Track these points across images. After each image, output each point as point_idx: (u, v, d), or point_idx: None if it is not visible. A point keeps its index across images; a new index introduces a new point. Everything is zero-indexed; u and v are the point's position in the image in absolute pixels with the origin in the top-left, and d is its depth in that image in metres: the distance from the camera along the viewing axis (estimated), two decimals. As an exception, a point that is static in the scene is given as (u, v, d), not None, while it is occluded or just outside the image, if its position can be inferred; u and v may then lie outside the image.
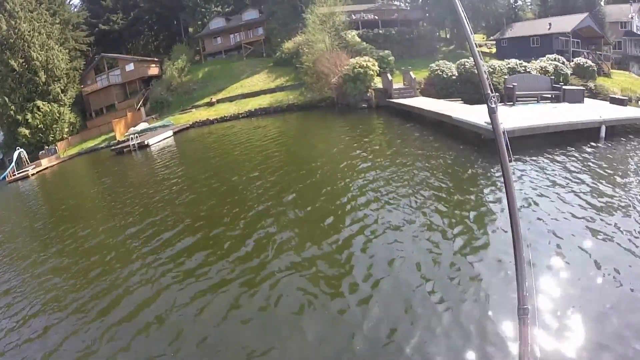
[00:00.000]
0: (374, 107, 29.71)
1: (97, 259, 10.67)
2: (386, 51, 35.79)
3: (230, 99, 40.15)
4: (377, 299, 6.81)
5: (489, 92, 3.69)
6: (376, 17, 44.73)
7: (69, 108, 42.92)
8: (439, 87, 29.20)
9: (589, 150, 13.55)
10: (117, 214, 14.45)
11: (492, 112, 3.65)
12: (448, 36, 51.82)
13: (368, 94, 30.45)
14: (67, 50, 44.21)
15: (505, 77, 25.70)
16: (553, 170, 11.82)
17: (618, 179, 10.84)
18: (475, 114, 15.95)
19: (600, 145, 14.14)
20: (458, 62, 29.53)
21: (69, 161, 36.49)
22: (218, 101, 40.44)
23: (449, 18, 44.29)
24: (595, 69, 32.15)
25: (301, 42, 38.16)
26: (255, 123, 31.85)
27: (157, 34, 63.80)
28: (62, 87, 42.13)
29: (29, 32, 39.22)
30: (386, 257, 8.03)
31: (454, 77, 28.88)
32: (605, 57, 40.84)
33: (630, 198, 9.45)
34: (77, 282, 9.59)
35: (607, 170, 11.63)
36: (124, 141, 34.12)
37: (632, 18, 48.56)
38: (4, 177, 32.60)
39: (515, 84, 20.38)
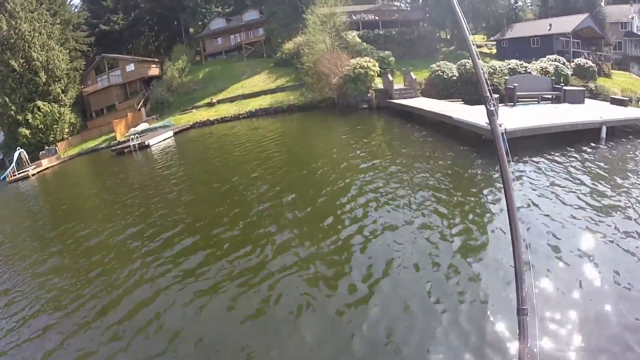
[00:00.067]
0: (375, 107, 29.71)
1: (97, 259, 10.67)
2: (386, 52, 35.80)
3: (231, 100, 40.18)
4: (376, 300, 6.80)
5: (488, 94, 3.69)
6: (376, 18, 44.74)
7: (70, 108, 43.01)
8: (439, 88, 29.20)
9: (589, 150, 13.54)
10: (117, 214, 14.45)
11: (490, 115, 3.65)
12: (448, 37, 51.85)
13: (369, 95, 30.45)
14: (67, 51, 44.30)
15: (506, 77, 25.70)
16: (554, 170, 11.81)
17: (619, 180, 10.81)
18: (475, 115, 15.94)
19: (600, 145, 14.12)
20: (459, 62, 29.52)
21: (69, 161, 36.51)
22: (218, 102, 40.47)
23: (449, 19, 44.26)
24: (596, 69, 32.14)
25: (302, 42, 38.18)
26: (256, 124, 31.87)
27: (157, 34, 63.90)
28: (63, 88, 42.20)
29: (30, 32, 39.29)
30: (385, 258, 8.02)
31: (454, 78, 28.88)
32: (606, 57, 40.85)
33: (630, 199, 9.43)
34: (77, 281, 9.59)
35: (607, 170, 11.61)
36: (124, 141, 34.14)
37: (632, 19, 48.56)
38: (5, 178, 32.62)
39: (516, 84, 20.37)
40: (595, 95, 27.43)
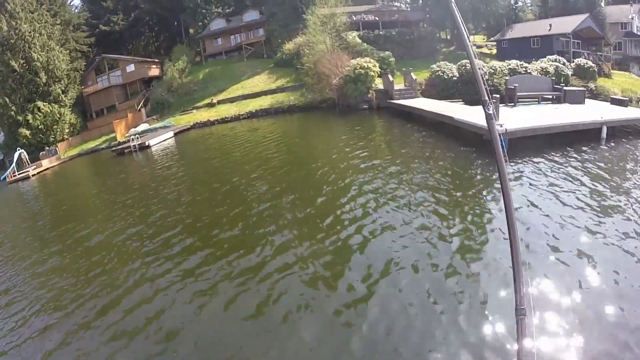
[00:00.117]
0: (375, 108, 29.71)
1: (98, 259, 10.68)
2: (387, 52, 35.80)
3: (231, 100, 40.16)
4: (375, 300, 6.80)
5: (486, 98, 3.70)
6: (377, 18, 44.75)
7: (70, 109, 42.97)
8: (439, 88, 29.21)
9: (590, 151, 13.55)
10: (117, 215, 14.45)
11: (489, 119, 3.66)
12: (448, 37, 51.85)
13: (369, 95, 30.45)
14: (67, 51, 44.29)
15: (506, 78, 25.72)
16: (554, 171, 11.81)
17: (619, 180, 10.82)
18: (476, 115, 15.94)
19: (601, 146, 14.14)
20: (459, 63, 29.53)
21: (69, 162, 36.50)
22: (219, 102, 40.45)
23: (449, 19, 44.21)
24: (596, 69, 32.14)
25: (302, 43, 38.17)
26: (256, 124, 31.87)
27: (157, 35, 63.88)
28: (63, 88, 42.17)
29: (30, 33, 39.28)
30: (385, 258, 8.02)
31: (454, 78, 28.89)
32: (606, 57, 40.85)
33: (631, 199, 9.44)
34: (78, 281, 9.59)
35: (608, 171, 11.61)
36: (124, 142, 34.13)
37: (632, 19, 48.56)
38: (5, 178, 32.59)
39: (516, 84, 20.39)
40: (596, 95, 27.44)
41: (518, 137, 14.12)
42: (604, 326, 5.54)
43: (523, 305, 3.62)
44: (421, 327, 6.01)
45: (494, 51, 47.42)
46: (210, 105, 40.37)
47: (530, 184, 10.95)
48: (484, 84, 3.88)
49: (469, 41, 4.02)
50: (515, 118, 15.97)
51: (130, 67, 47.66)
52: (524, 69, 28.24)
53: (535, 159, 12.97)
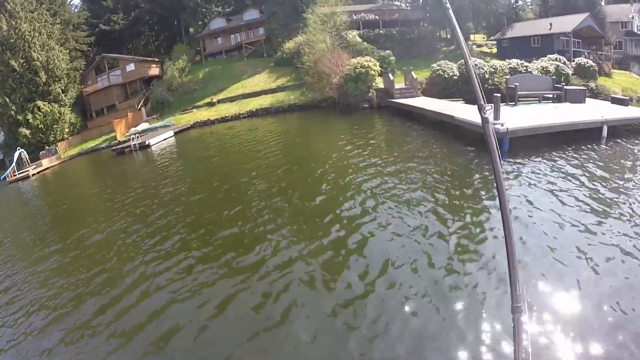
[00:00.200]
0: (376, 107, 29.69)
1: (97, 258, 10.67)
2: (387, 51, 35.81)
3: (231, 99, 40.15)
4: (373, 298, 6.80)
5: (482, 102, 3.73)
6: (377, 17, 44.74)
7: (70, 108, 42.93)
8: (440, 87, 29.20)
9: (590, 150, 13.53)
10: (117, 214, 14.43)
11: (485, 122, 3.68)
12: (449, 36, 51.75)
13: (369, 94, 30.44)
14: (67, 51, 44.25)
15: (507, 77, 25.69)
16: (554, 170, 11.80)
17: (619, 179, 10.81)
18: (476, 114, 15.89)
19: (602, 145, 14.13)
20: (459, 62, 29.52)
21: (69, 161, 36.49)
22: (219, 101, 40.43)
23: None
24: (596, 69, 32.15)
25: (302, 42, 38.16)
26: (256, 123, 31.85)
27: (157, 34, 63.87)
28: (63, 88, 42.13)
29: (30, 32, 39.23)
30: (383, 257, 8.02)
31: (455, 77, 28.88)
32: (606, 57, 40.84)
33: (631, 199, 9.42)
34: (77, 280, 9.58)
35: (608, 170, 11.61)
36: (124, 141, 34.12)
37: (632, 18, 48.54)
38: (5, 178, 32.57)
39: (517, 84, 20.36)
40: (596, 94, 27.42)
41: (519, 136, 14.11)
42: (601, 325, 5.53)
43: (519, 303, 3.64)
44: (419, 325, 6.00)
45: (494, 50, 47.41)
46: (211, 104, 40.35)
47: (531, 183, 10.94)
48: (481, 90, 3.89)
49: (466, 48, 4.02)
50: (516, 117, 15.95)
51: (130, 67, 47.64)
52: (525, 68, 28.24)
53: (535, 158, 12.96)
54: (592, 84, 29.45)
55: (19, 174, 32.68)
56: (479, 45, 50.99)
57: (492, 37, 49.88)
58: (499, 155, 3.99)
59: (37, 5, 41.96)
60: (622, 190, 10.03)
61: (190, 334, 6.67)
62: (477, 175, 12.08)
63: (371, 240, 8.92)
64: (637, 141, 14.43)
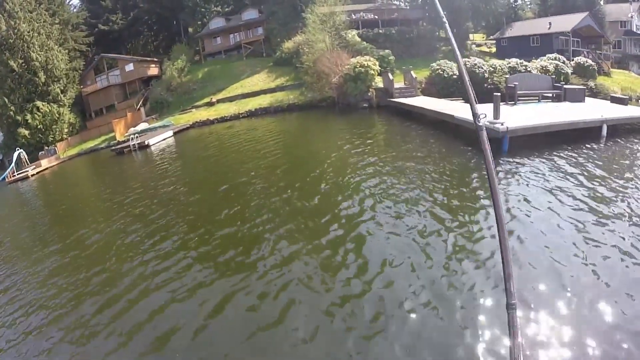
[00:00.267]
0: (375, 106, 29.67)
1: (96, 258, 10.65)
2: (386, 50, 35.79)
3: (230, 99, 40.13)
4: (372, 297, 6.80)
5: (477, 111, 3.76)
6: (376, 17, 44.73)
7: (69, 108, 42.89)
8: (439, 87, 29.19)
9: (590, 149, 13.53)
10: (117, 214, 14.41)
11: (480, 130, 3.70)
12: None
13: (369, 94, 30.42)
14: (66, 51, 44.21)
15: (506, 76, 25.71)
16: (554, 169, 11.81)
17: (619, 178, 10.80)
18: (476, 113, 15.91)
19: (601, 144, 14.13)
20: (459, 61, 29.46)
21: (68, 162, 36.45)
22: (218, 101, 40.41)
23: (448, 18, 44.21)
24: (596, 68, 32.18)
25: (301, 41, 38.11)
26: (256, 123, 31.84)
27: (156, 34, 63.80)
28: (62, 88, 42.08)
29: (29, 32, 39.18)
30: (382, 255, 8.02)
31: (454, 77, 28.86)
32: (605, 56, 40.90)
33: (631, 198, 9.41)
34: (77, 280, 9.56)
35: (608, 169, 11.61)
36: (124, 141, 34.09)
37: (631, 17, 48.62)
38: (4, 178, 32.54)
39: (516, 83, 20.35)
40: (595, 93, 27.45)
41: (519, 135, 14.10)
42: (598, 324, 5.53)
43: (513, 301, 3.68)
44: (416, 324, 6.01)
45: (494, 49, 47.46)
46: (210, 104, 40.33)
47: (530, 182, 10.93)
48: (475, 100, 3.92)
49: (460, 56, 4.05)
50: (515, 116, 15.94)
51: (129, 67, 47.59)
52: (524, 68, 28.26)
53: (535, 157, 12.96)
54: (591, 83, 29.49)
55: (18, 174, 32.64)
56: (478, 45, 51.00)
57: (491, 37, 49.95)
58: (492, 163, 4.01)
59: (36, 6, 41.89)
60: (621, 189, 10.02)
61: (189, 334, 6.66)
62: (475, 174, 12.07)
63: (369, 239, 8.92)
64: (636, 140, 14.43)
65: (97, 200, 18.47)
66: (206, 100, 41.14)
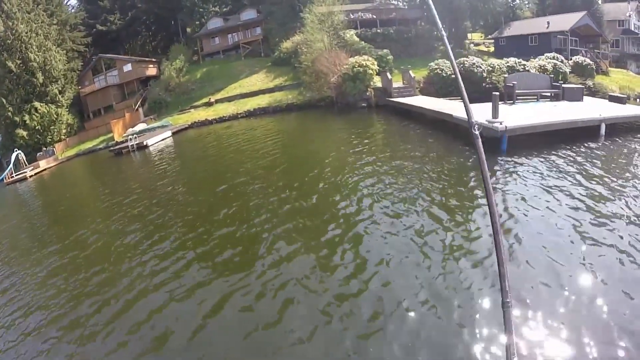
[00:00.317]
0: (374, 106, 29.67)
1: (95, 258, 10.63)
2: (385, 50, 35.76)
3: (229, 99, 40.10)
4: (370, 297, 6.80)
5: (473, 120, 3.78)
6: (374, 17, 44.71)
7: (67, 109, 42.83)
8: (438, 86, 29.20)
9: (589, 148, 13.54)
10: (115, 215, 14.38)
11: (475, 138, 3.73)
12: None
13: (367, 93, 30.42)
14: (64, 51, 44.18)
15: (505, 75, 25.72)
16: (553, 168, 11.81)
17: (617, 177, 10.81)
18: (475, 113, 15.83)
19: (600, 143, 14.14)
20: (457, 61, 29.41)
21: (67, 163, 36.39)
22: (216, 101, 40.38)
23: (446, 17, 44.22)
24: (594, 67, 32.22)
25: (299, 41, 38.09)
26: (254, 123, 31.82)
27: (154, 34, 63.74)
28: (60, 88, 42.05)
29: (27, 33, 39.14)
30: (379, 255, 8.02)
31: (453, 76, 28.81)
32: (603, 55, 40.98)
33: (629, 197, 9.42)
34: (76, 280, 9.54)
35: (606, 168, 11.62)
36: (122, 142, 34.02)
37: (629, 16, 48.73)
38: (2, 179, 32.51)
39: (515, 82, 20.37)
40: (594, 92, 27.49)
41: (517, 134, 14.11)
42: (596, 323, 5.53)
43: (508, 299, 3.70)
44: (414, 323, 6.00)
45: (492, 49, 47.51)
46: (208, 104, 40.30)
47: (529, 181, 10.93)
48: (470, 112, 3.93)
49: (455, 62, 4.05)
50: (514, 115, 15.94)
51: (128, 67, 47.51)
52: (522, 67, 28.28)
53: (534, 156, 12.96)
54: (589, 82, 29.54)
55: (16, 175, 32.57)
56: (477, 44, 51.07)
57: (489, 36, 50.02)
58: (488, 172, 4.03)
59: (33, 6, 41.84)
60: (619, 188, 10.02)
61: (188, 334, 6.65)
62: (472, 173, 12.06)
63: (367, 239, 8.91)
64: (634, 139, 14.46)
65: (96, 201, 18.45)
66: (205, 100, 41.10)
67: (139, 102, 44.83)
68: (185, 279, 8.47)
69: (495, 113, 14.74)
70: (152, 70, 49.08)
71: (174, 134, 34.22)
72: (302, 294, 7.23)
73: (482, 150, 3.69)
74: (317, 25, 35.18)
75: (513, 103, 19.91)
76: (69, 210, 17.53)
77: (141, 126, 36.01)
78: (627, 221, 8.19)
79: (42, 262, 11.29)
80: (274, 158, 18.60)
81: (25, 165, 35.68)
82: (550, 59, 29.79)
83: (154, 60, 51.26)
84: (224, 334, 6.56)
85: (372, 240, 8.83)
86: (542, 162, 12.45)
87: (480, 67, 28.25)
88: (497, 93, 15.67)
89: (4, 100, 38.64)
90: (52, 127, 40.73)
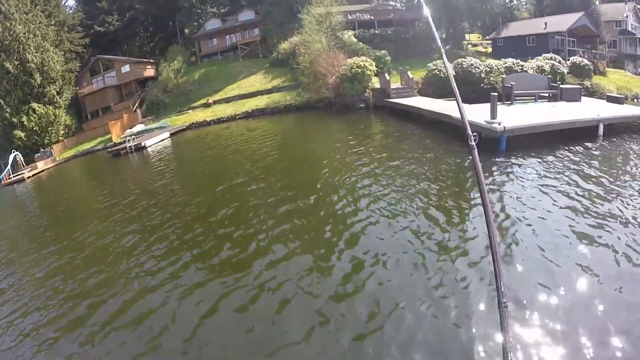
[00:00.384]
0: (372, 107, 29.67)
1: (93, 259, 10.61)
2: (383, 51, 35.81)
3: (227, 100, 40.06)
4: (367, 297, 6.80)
5: (469, 132, 3.82)
6: (372, 18, 44.78)
7: (65, 110, 42.74)
8: (436, 87, 29.17)
9: (587, 148, 13.58)
10: (113, 216, 14.35)
11: (472, 149, 3.75)
12: (444, 36, 51.92)
13: (366, 94, 30.43)
14: (62, 52, 44.02)
15: (503, 76, 25.76)
16: (551, 168, 11.83)
17: (616, 178, 10.84)
18: (474, 114, 15.92)
19: (598, 143, 14.18)
20: (455, 61, 29.54)
21: (65, 164, 36.29)
22: (215, 102, 40.34)
23: (444, 18, 44.34)
24: (591, 67, 32.31)
25: (298, 42, 38.11)
26: (253, 124, 31.79)
27: (152, 35, 63.62)
28: (58, 89, 41.95)
29: (24, 34, 39.03)
30: (378, 256, 8.02)
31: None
32: (601, 55, 41.13)
33: (627, 197, 9.45)
34: (74, 281, 9.51)
35: (604, 168, 11.64)
36: (120, 143, 33.93)
37: (627, 17, 48.90)
38: (0, 180, 32.40)
39: (513, 83, 20.42)
40: (591, 93, 27.58)
41: (516, 134, 14.14)
42: (593, 324, 5.54)
43: (504, 299, 3.72)
44: (411, 323, 6.01)
45: (489, 50, 47.62)
46: (206, 105, 40.25)
47: (527, 182, 10.95)
48: (466, 122, 3.96)
49: (451, 71, 4.08)
50: (513, 116, 15.98)
51: (125, 68, 47.42)
52: (520, 68, 28.32)
53: (532, 157, 12.99)
54: (587, 83, 29.63)
55: (14, 176, 32.46)
56: (474, 45, 51.19)
57: (487, 37, 50.10)
58: (484, 180, 4.04)
59: (31, 7, 41.71)
60: (617, 188, 10.05)
61: (185, 334, 6.65)
62: (470, 174, 12.08)
63: (365, 239, 8.92)
64: (632, 139, 14.50)
65: (94, 202, 18.39)
66: (203, 101, 41.06)
67: (137, 103, 44.76)
68: (183, 280, 8.46)
69: (493, 114, 14.77)
70: (150, 72, 49.01)
71: (172, 135, 34.17)
72: (299, 295, 7.22)
73: (478, 161, 3.72)
74: (315, 26, 35.18)
75: (511, 103, 19.94)
76: (67, 212, 17.49)
77: (139, 127, 35.93)
78: (624, 222, 8.20)
79: (41, 263, 11.26)
80: (272, 159, 18.59)
81: (23, 166, 35.57)
82: (548, 59, 29.85)
83: (152, 61, 51.20)
84: (221, 334, 6.56)
85: (369, 240, 8.83)
86: (540, 162, 12.47)
87: (479, 68, 28.29)
88: (496, 94, 15.69)
89: (1, 102, 38.55)
90: (50, 128, 40.63)
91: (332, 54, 33.28)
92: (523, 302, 6.00)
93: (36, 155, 37.59)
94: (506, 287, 4.10)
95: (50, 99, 40.87)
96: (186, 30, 57.66)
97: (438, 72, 29.33)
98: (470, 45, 48.90)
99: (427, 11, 4.34)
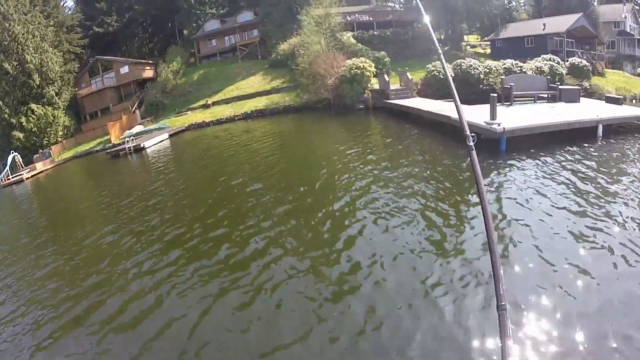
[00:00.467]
0: (371, 108, 29.70)
1: (92, 260, 10.57)
2: (382, 52, 35.84)
3: (226, 101, 40.04)
4: (365, 297, 6.79)
5: (468, 133, 3.82)
6: (371, 19, 44.81)
7: (64, 111, 42.68)
8: (435, 88, 29.21)
9: (586, 149, 13.58)
10: (112, 217, 14.34)
11: (470, 150, 3.75)
12: (442, 37, 51.96)
13: (365, 95, 30.46)
14: (61, 53, 43.93)
15: (502, 77, 25.81)
16: (550, 169, 11.83)
17: (615, 179, 10.84)
18: (473, 114, 15.94)
19: (597, 144, 14.19)
20: (454, 62, 29.58)
21: (63, 165, 36.22)
22: (214, 103, 40.31)
23: (443, 19, 44.36)
24: (590, 68, 32.37)
25: (297, 43, 38.14)
26: (251, 125, 31.79)
27: (151, 36, 63.58)
28: (57, 90, 41.88)
29: (23, 34, 38.97)
30: (376, 256, 8.00)
31: (451, 77, 28.91)
32: (599, 56, 41.22)
33: (626, 198, 9.45)
34: (73, 282, 9.48)
35: (604, 169, 11.64)
36: (119, 144, 33.86)
37: (625, 18, 49.02)
38: (-2, 181, 32.36)
39: (512, 84, 20.44)
40: (590, 94, 27.63)
41: (515, 135, 14.15)
42: (589, 325, 5.52)
43: (503, 302, 3.71)
44: (409, 322, 6.01)
45: (488, 51, 47.68)
46: (205, 106, 40.22)
47: (526, 182, 10.93)
48: (464, 122, 3.97)
49: (450, 73, 4.09)
50: (512, 117, 15.99)
51: (124, 69, 47.36)
52: (519, 69, 28.37)
53: (532, 157, 12.99)
54: (586, 84, 29.68)
55: (12, 177, 32.36)
56: (473, 46, 51.24)
57: (486, 38, 50.15)
58: (482, 180, 4.04)
59: (30, 8, 41.63)
60: (616, 189, 10.04)
61: (184, 334, 6.64)
62: (468, 174, 12.07)
63: (362, 240, 8.90)
64: (631, 140, 14.51)
65: (93, 203, 18.36)
66: (202, 102, 41.02)
67: (135, 104, 44.71)
68: (182, 280, 8.44)
69: (493, 114, 14.78)
70: (149, 72, 48.97)
71: (171, 136, 34.13)
72: (296, 295, 7.22)
73: (476, 162, 3.72)
74: (314, 27, 35.22)
75: (510, 104, 19.97)
76: (66, 212, 17.45)
77: (138, 128, 35.90)
78: (624, 223, 8.18)
79: (39, 264, 11.22)
80: (271, 160, 18.58)
81: (22, 167, 35.51)
82: (547, 60, 29.92)
83: (150, 62, 51.14)
84: (219, 334, 6.55)
85: (367, 241, 8.82)
86: (539, 163, 12.47)
87: (478, 69, 28.33)
88: (495, 95, 15.71)
89: (0, 103, 38.49)
90: (49, 129, 40.57)
91: (331, 55, 33.31)
92: (521, 305, 5.98)
93: (35, 156, 37.50)
94: (505, 290, 4.08)
95: (49, 99, 40.82)
96: (185, 31, 57.62)
97: (437, 74, 29.36)
98: (469, 47, 48.96)
99: (427, 18, 4.36)
